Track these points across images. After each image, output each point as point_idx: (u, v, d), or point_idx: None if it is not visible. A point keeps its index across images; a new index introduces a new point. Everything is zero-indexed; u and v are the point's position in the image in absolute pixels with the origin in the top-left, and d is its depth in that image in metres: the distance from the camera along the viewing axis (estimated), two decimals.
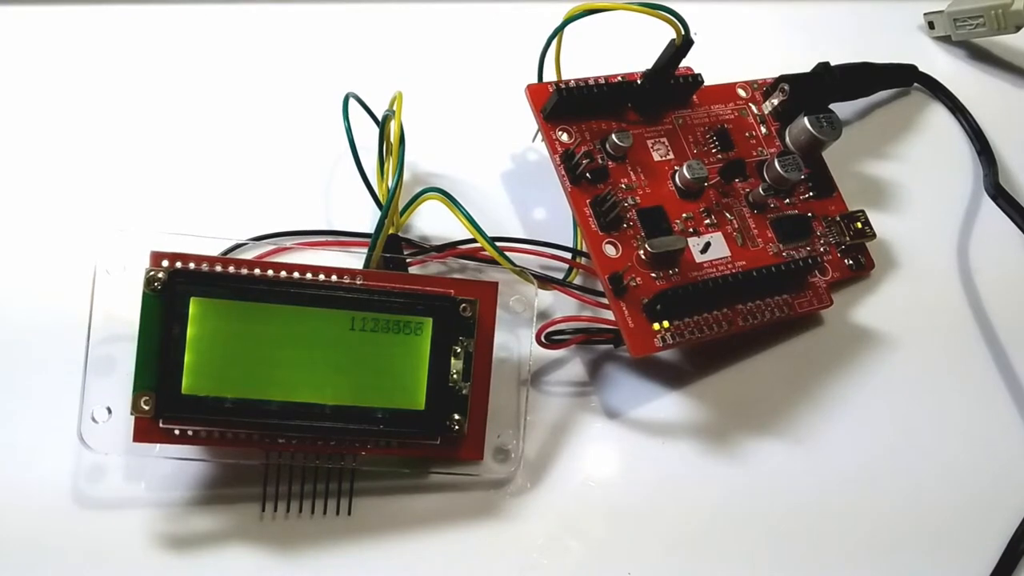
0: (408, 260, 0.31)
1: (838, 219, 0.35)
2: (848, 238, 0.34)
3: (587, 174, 0.31)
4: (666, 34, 0.30)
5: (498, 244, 0.30)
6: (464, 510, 0.29)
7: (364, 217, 0.33)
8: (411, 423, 0.27)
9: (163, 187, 0.34)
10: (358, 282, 0.27)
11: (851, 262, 0.35)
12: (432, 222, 0.34)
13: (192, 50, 0.37)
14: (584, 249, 0.32)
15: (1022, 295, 0.36)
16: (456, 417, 0.27)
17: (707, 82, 0.34)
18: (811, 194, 0.35)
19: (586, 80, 0.32)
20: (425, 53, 0.39)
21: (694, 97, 0.34)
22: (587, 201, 0.31)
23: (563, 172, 0.31)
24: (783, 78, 0.36)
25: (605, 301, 0.30)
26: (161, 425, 0.26)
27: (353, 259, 0.31)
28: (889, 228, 0.36)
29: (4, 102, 0.35)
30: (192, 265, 0.26)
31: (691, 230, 0.32)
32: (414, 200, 0.31)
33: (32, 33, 0.37)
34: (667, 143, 0.33)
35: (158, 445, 0.27)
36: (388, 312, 0.27)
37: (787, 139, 0.35)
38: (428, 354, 0.27)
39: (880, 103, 0.40)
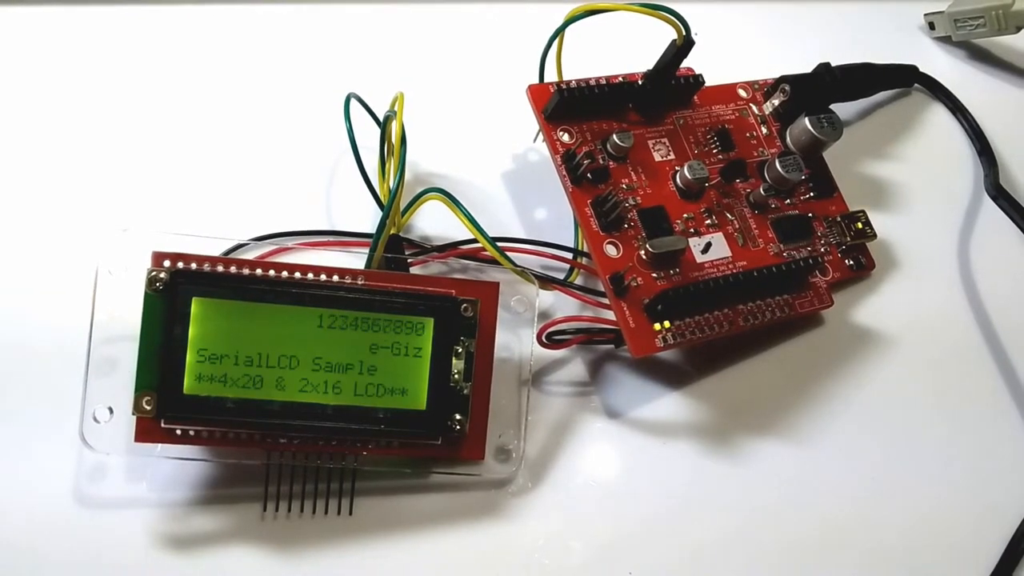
0: (409, 260, 0.31)
1: (839, 219, 0.35)
2: (849, 238, 0.35)
3: (588, 174, 0.31)
4: (667, 35, 0.30)
5: (499, 244, 0.30)
6: (465, 510, 0.29)
7: (365, 217, 0.33)
8: (412, 423, 0.27)
9: (165, 187, 0.34)
10: (359, 282, 0.27)
11: (852, 262, 0.35)
12: (433, 222, 0.34)
13: (194, 50, 0.37)
14: (585, 249, 0.32)
15: (1023, 295, 0.36)
16: (457, 417, 0.27)
17: (708, 82, 0.34)
18: (812, 194, 0.35)
19: (587, 80, 0.32)
20: (426, 53, 0.39)
21: (695, 97, 0.34)
22: (588, 201, 0.31)
23: (564, 172, 0.31)
24: (784, 78, 0.36)
25: (606, 301, 0.30)
26: (163, 425, 0.26)
27: (354, 259, 0.31)
28: (890, 228, 0.36)
29: (6, 102, 0.35)
30: (194, 265, 0.26)
31: (692, 230, 0.32)
32: (415, 200, 0.31)
33: (35, 34, 0.37)
34: (668, 143, 0.33)
35: (159, 445, 0.27)
36: (389, 312, 0.27)
37: (788, 139, 0.35)
38: (429, 354, 0.27)
39: (881, 103, 0.40)
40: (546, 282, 0.32)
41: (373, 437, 0.27)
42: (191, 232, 0.28)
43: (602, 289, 0.30)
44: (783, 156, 0.33)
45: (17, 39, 0.37)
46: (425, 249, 0.33)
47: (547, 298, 0.33)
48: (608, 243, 0.30)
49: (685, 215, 0.32)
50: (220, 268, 0.26)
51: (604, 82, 0.32)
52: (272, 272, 0.27)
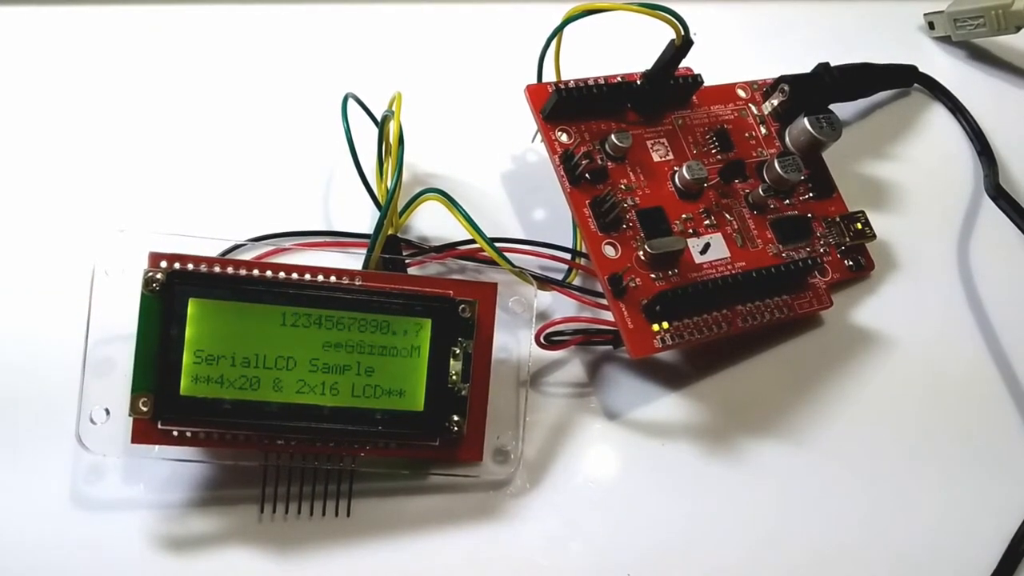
0: (407, 261, 0.31)
1: (838, 220, 0.35)
2: (848, 239, 0.34)
3: (586, 175, 0.31)
4: (666, 34, 0.30)
5: (497, 245, 0.30)
6: (463, 511, 0.29)
7: (363, 218, 0.33)
8: (410, 424, 0.27)
9: (162, 188, 0.34)
10: (357, 283, 0.27)
11: (851, 263, 0.35)
12: (431, 223, 0.34)
13: (191, 50, 0.37)
14: (583, 250, 0.32)
15: (1022, 296, 0.36)
16: (455, 418, 0.27)
17: (707, 82, 0.34)
18: (811, 195, 0.35)
19: (585, 80, 0.32)
20: (424, 53, 0.38)
21: (694, 98, 0.34)
22: (586, 202, 0.31)
23: (562, 173, 0.31)
24: (783, 79, 0.35)
25: (604, 302, 0.30)
26: (159, 426, 0.26)
27: (352, 260, 0.31)
28: (889, 229, 0.36)
29: (3, 102, 0.35)
30: (191, 266, 0.26)
31: (691, 231, 0.32)
32: (413, 201, 0.31)
33: (32, 34, 0.37)
34: (667, 144, 0.33)
35: (156, 446, 0.27)
36: (387, 313, 0.27)
37: (787, 140, 0.35)
38: (427, 355, 0.27)
39: (880, 104, 0.40)
40: (544, 283, 0.31)
41: (371, 438, 0.27)
42: (188, 233, 0.28)
43: (600, 290, 0.30)
44: (782, 156, 0.33)
45: (16, 39, 0.37)
46: (423, 250, 0.32)
47: (545, 299, 0.33)
48: (606, 244, 0.30)
49: (684, 216, 0.32)
50: (217, 269, 0.26)
51: (602, 82, 0.32)
52: (269, 273, 0.27)
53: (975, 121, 0.40)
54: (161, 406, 0.25)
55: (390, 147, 0.31)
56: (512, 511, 0.30)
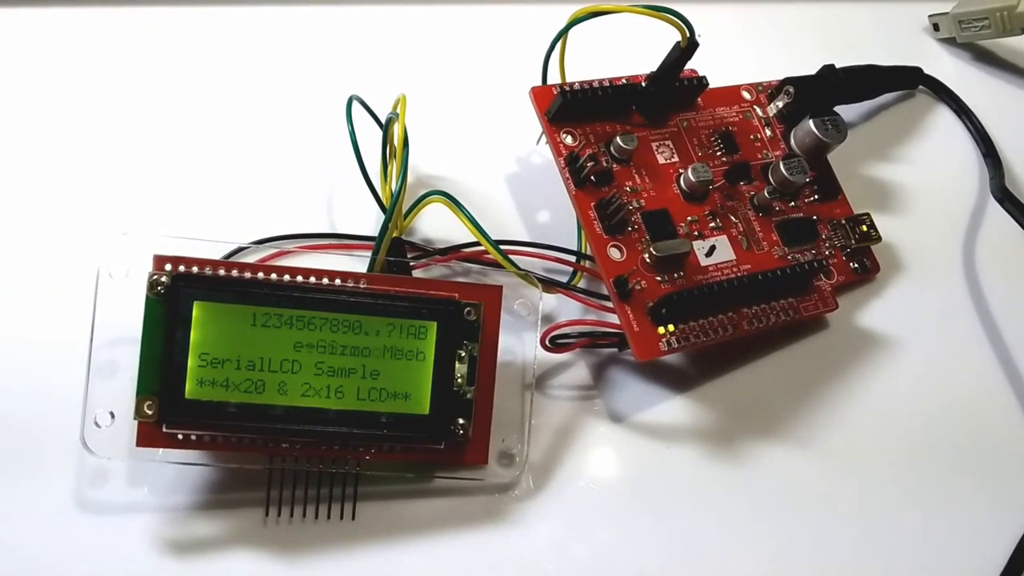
0: (412, 263, 0.31)
1: (843, 222, 0.35)
2: (853, 241, 0.34)
3: (591, 177, 0.31)
4: (671, 37, 0.30)
5: (502, 247, 0.30)
6: (469, 515, 0.29)
7: (367, 220, 0.33)
8: (415, 427, 0.27)
9: (166, 191, 0.34)
10: (361, 286, 0.27)
11: (856, 265, 0.35)
12: (436, 225, 0.33)
13: (195, 53, 0.37)
14: (588, 252, 0.32)
15: None
16: (460, 421, 0.27)
17: (712, 84, 0.34)
18: (816, 197, 0.35)
19: (590, 83, 0.32)
20: (429, 55, 0.38)
21: (699, 100, 0.34)
22: (591, 204, 0.30)
23: (567, 175, 0.31)
24: (788, 80, 0.35)
25: (610, 305, 0.30)
26: (164, 430, 0.26)
27: (356, 262, 0.31)
28: (895, 231, 0.36)
29: (7, 104, 0.35)
30: (195, 269, 0.26)
31: (696, 233, 0.32)
32: (418, 203, 0.31)
33: (35, 35, 0.37)
34: (672, 146, 0.33)
35: (161, 450, 0.27)
36: (392, 316, 0.27)
37: (792, 142, 0.35)
38: (432, 358, 0.27)
39: (885, 105, 0.40)
40: (549, 285, 0.31)
41: (376, 442, 0.27)
42: (193, 235, 0.28)
43: (606, 292, 0.30)
44: (787, 158, 0.33)
45: (18, 41, 0.37)
46: (428, 252, 0.32)
47: (550, 301, 0.33)
48: (612, 246, 0.30)
49: (689, 218, 0.32)
50: (222, 272, 0.26)
51: (607, 84, 0.32)
52: (274, 276, 0.27)
53: (980, 123, 0.40)
54: (166, 409, 0.25)
55: (394, 149, 0.31)
56: (517, 514, 0.30)
